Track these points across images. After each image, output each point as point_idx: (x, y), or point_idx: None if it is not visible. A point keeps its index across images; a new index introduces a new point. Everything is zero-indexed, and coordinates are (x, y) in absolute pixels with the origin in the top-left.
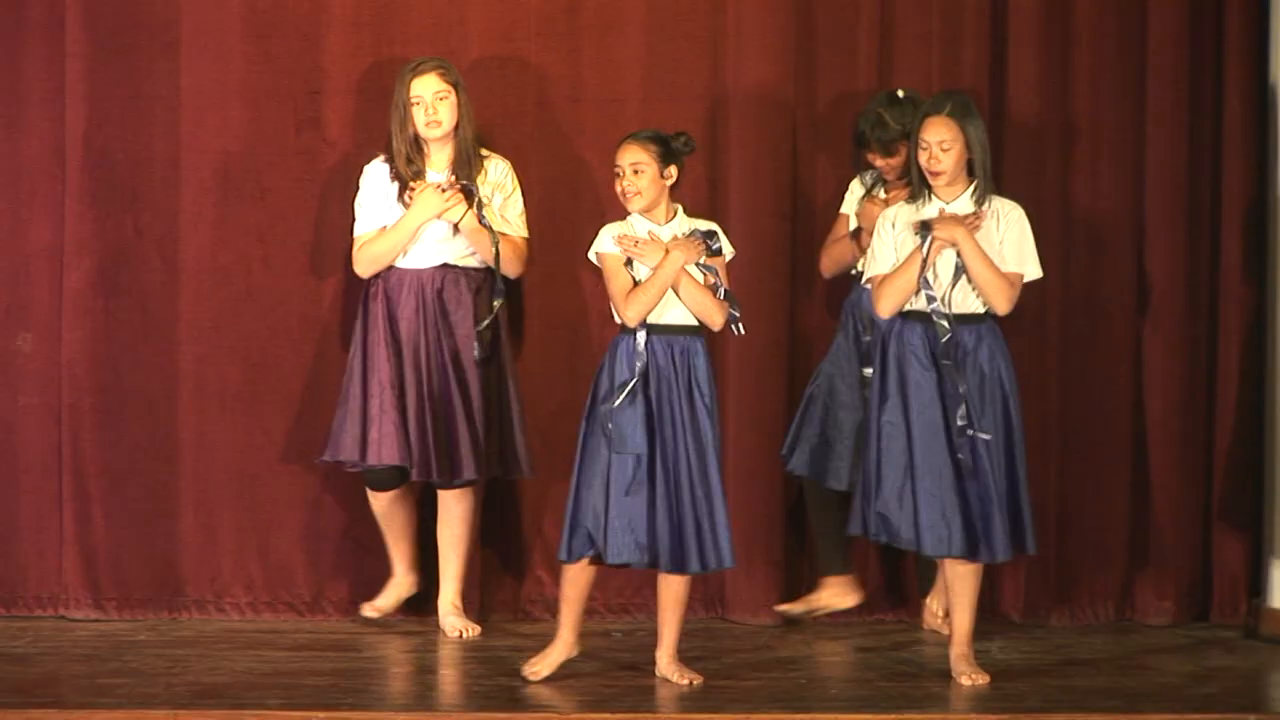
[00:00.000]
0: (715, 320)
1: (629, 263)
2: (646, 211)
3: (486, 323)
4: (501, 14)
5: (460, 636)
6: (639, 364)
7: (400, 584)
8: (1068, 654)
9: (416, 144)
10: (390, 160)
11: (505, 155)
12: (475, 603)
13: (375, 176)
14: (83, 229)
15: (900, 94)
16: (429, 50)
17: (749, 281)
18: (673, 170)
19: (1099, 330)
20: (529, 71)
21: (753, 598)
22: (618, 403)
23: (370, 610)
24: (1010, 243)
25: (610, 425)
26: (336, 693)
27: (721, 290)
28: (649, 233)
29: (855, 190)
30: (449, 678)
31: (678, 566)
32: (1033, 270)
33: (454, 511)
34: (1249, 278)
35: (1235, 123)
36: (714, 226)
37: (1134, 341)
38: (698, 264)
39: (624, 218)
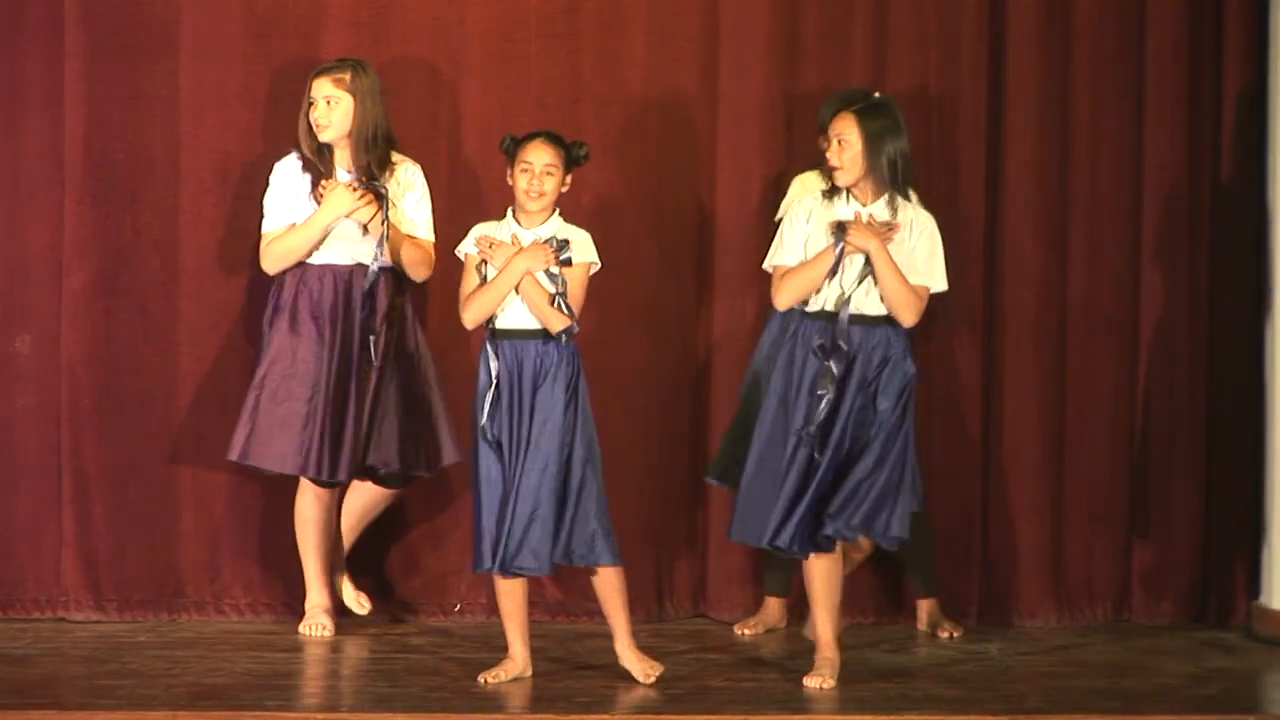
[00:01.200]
0: (552, 327)
1: (483, 264)
2: (537, 214)
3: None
4: (501, 14)
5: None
6: (493, 371)
7: (315, 607)
8: (1067, 654)
9: (325, 143)
10: (302, 157)
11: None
12: (475, 604)
13: (286, 172)
14: (83, 229)
15: (876, 95)
16: (428, 50)
17: (741, 282)
18: (569, 179)
19: (1098, 330)
20: (529, 71)
21: (729, 596)
22: (483, 421)
23: (303, 628)
24: (920, 254)
25: (489, 437)
26: (335, 694)
27: (559, 300)
28: (513, 236)
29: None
30: (447, 679)
31: (571, 561)
32: (939, 284)
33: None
34: (1248, 277)
35: (1235, 123)
36: (583, 234)
37: (1133, 341)
38: (547, 271)
39: (501, 215)
